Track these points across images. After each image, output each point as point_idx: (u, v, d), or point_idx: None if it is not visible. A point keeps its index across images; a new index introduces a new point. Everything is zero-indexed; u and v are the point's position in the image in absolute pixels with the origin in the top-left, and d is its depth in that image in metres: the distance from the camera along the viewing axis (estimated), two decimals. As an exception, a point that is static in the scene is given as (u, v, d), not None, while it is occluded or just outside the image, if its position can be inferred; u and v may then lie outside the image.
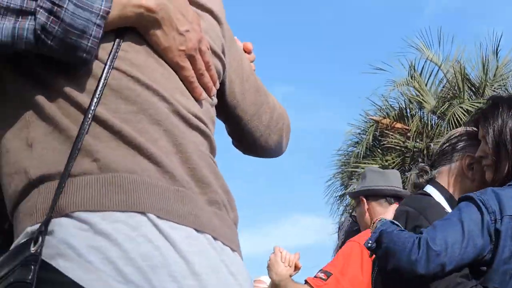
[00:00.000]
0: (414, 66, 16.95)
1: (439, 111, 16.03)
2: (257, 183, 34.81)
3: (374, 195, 4.63)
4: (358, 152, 16.50)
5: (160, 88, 1.37)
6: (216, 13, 1.57)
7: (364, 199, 4.65)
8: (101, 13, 1.29)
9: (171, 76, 1.42)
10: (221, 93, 1.64)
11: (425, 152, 15.65)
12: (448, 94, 16.51)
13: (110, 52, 1.34)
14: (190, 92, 1.43)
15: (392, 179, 4.70)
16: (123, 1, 1.35)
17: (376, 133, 16.60)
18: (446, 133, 13.15)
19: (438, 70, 16.88)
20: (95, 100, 1.30)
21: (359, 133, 17.15)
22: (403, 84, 16.81)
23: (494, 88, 16.29)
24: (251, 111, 1.73)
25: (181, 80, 1.43)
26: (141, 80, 1.35)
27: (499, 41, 16.97)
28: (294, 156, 29.34)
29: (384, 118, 16.68)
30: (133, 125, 1.32)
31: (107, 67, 1.33)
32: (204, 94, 1.46)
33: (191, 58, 1.43)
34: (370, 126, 16.78)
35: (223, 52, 1.58)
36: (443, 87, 16.84)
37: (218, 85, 1.53)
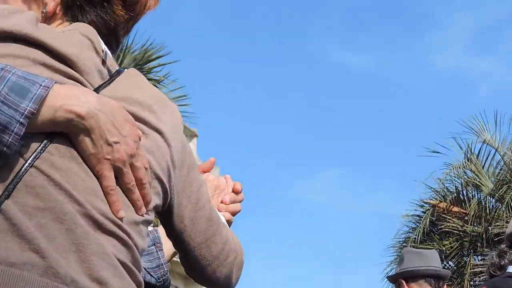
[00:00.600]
0: (471, 149, 17.18)
1: (497, 194, 16.02)
2: (312, 267, 34.96)
3: (413, 276, 4.59)
4: (414, 238, 16.48)
5: (75, 191, 1.42)
6: (167, 135, 1.59)
7: (404, 282, 4.62)
8: (25, 113, 1.36)
9: (93, 183, 1.45)
10: (168, 215, 1.69)
11: (483, 236, 15.72)
12: (506, 177, 16.54)
13: (34, 152, 1.41)
14: (109, 204, 1.45)
15: (431, 259, 4.64)
16: (56, 105, 1.40)
17: (433, 217, 16.59)
18: (505, 217, 12.74)
19: (495, 152, 17.03)
20: (6, 192, 1.38)
21: (416, 218, 17.20)
22: (459, 167, 16.88)
23: None
24: (199, 239, 1.75)
25: (102, 190, 1.45)
26: (57, 180, 1.40)
27: None
28: (349, 241, 29.30)
29: (441, 202, 16.72)
30: (35, 220, 1.38)
31: (26, 164, 1.39)
32: (122, 212, 1.46)
33: (118, 170, 1.46)
34: (427, 210, 16.76)
35: (169, 175, 1.59)
36: (501, 169, 16.90)
37: (150, 205, 1.54)
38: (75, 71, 1.50)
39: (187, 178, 1.67)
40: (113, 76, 1.59)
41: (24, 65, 1.44)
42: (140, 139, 1.49)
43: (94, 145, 1.43)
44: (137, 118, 1.54)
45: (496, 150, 17.01)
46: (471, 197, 16.62)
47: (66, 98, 1.40)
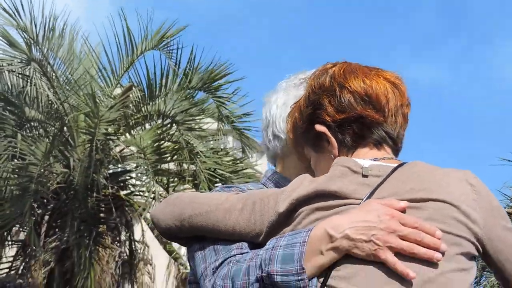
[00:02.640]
0: None
1: None
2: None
3: None
4: None
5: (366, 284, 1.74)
6: (448, 199, 1.81)
7: None
8: (298, 272, 1.74)
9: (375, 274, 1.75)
10: (486, 258, 1.92)
11: None
12: None
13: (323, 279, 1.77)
14: (402, 274, 1.72)
15: None
16: (315, 248, 1.77)
17: None
18: None
19: None
20: None
21: None
22: None
23: None
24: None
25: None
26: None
27: None
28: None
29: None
30: None
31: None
32: (412, 273, 1.72)
33: (390, 250, 1.74)
34: None
35: (468, 228, 1.82)
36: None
37: (439, 255, 1.75)
38: (342, 199, 1.84)
39: (493, 224, 1.87)
40: (386, 177, 1.86)
41: (319, 218, 1.84)
42: (395, 216, 1.77)
43: (361, 250, 1.75)
44: (411, 200, 1.81)
45: None
46: None
47: (319, 239, 1.77)
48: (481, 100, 68.12)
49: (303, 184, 1.88)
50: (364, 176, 1.87)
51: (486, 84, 69.36)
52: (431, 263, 1.76)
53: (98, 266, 12.71)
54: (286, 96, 2.24)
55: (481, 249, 1.89)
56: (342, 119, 1.97)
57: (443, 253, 1.78)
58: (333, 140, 1.98)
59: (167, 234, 2.06)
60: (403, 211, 1.80)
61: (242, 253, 1.90)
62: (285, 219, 1.87)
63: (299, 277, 1.73)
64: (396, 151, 2.02)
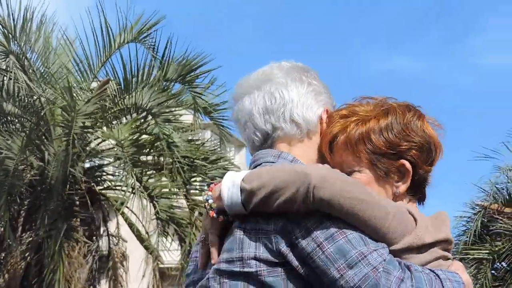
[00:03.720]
0: None
1: None
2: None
3: None
4: (466, 239, 16.02)
5: None
6: None
7: None
8: None
9: None
10: None
11: None
12: None
13: None
14: None
15: None
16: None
17: (484, 219, 16.19)
18: None
19: None
20: None
21: (467, 220, 16.71)
22: (510, 170, 16.77)
23: None
24: None
25: None
26: None
27: None
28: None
29: (491, 204, 16.26)
30: None
31: None
32: None
33: None
34: (478, 212, 16.35)
35: None
36: None
37: None
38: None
39: None
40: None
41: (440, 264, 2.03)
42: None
43: None
44: None
45: None
46: None
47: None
48: (461, 91, 68.13)
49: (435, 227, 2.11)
50: None
51: (466, 74, 69.81)
52: None
53: (71, 260, 12.67)
54: (309, 87, 2.28)
55: None
56: (426, 172, 2.22)
57: None
58: (409, 181, 2.18)
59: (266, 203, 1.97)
60: None
61: (388, 254, 1.93)
62: (423, 249, 2.00)
63: None
64: None
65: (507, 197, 16.73)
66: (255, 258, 1.94)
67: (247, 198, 1.96)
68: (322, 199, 1.92)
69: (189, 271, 2.24)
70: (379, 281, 1.84)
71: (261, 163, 2.18)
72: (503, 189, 16.96)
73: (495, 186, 16.90)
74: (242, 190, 1.97)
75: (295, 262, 1.93)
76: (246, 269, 1.94)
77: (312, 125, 2.24)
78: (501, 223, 15.57)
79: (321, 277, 1.91)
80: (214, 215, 2.03)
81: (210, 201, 2.05)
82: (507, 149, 16.94)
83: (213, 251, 2.03)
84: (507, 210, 15.86)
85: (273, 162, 2.16)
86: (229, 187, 1.99)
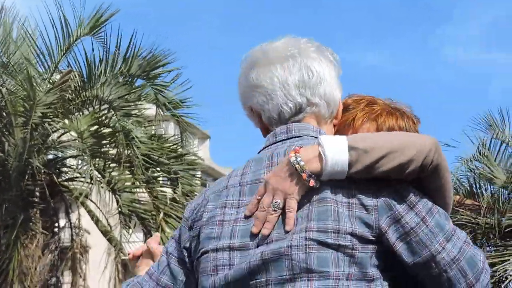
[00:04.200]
0: (483, 143, 16.63)
1: (510, 186, 15.90)
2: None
3: None
4: None
5: None
6: None
7: None
8: None
9: None
10: None
11: (496, 227, 15.61)
12: None
13: None
14: None
15: None
16: None
17: None
18: None
19: (507, 146, 16.56)
20: None
21: None
22: (471, 160, 16.69)
23: None
24: None
25: None
26: None
27: None
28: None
29: (454, 195, 11.96)
30: None
31: None
32: None
33: None
34: None
35: None
36: None
37: None
38: None
39: None
40: None
41: None
42: None
43: None
44: None
45: (508, 144, 16.47)
46: (484, 190, 16.19)
47: None
48: (427, 84, 69.43)
49: None
50: None
51: (431, 68, 70.74)
52: None
53: (29, 251, 12.61)
54: (335, 68, 2.22)
55: None
56: None
57: None
58: None
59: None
60: None
61: None
62: None
63: None
64: None
65: (468, 188, 16.63)
66: (352, 234, 1.88)
67: (358, 157, 1.88)
68: (439, 166, 1.94)
69: (212, 234, 2.01)
70: (473, 252, 1.94)
71: (302, 136, 2.10)
72: (464, 181, 16.86)
73: (456, 178, 16.51)
74: (352, 148, 1.89)
75: (393, 239, 1.91)
76: (341, 242, 1.87)
77: (336, 107, 2.20)
78: (462, 215, 15.44)
79: (417, 252, 1.90)
80: (306, 178, 1.90)
81: (302, 163, 1.91)
82: (470, 140, 16.96)
83: (292, 218, 1.90)
84: (468, 202, 15.84)
85: (315, 137, 2.07)
86: (332, 147, 1.90)
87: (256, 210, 1.95)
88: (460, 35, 71.75)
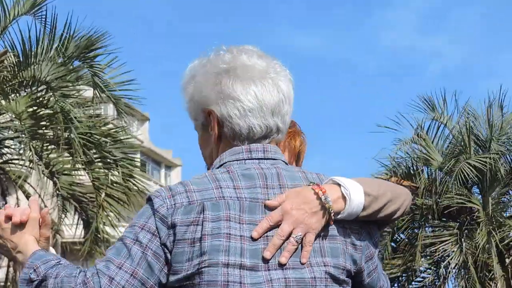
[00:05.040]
0: (421, 125, 17.18)
1: (446, 168, 16.29)
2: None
3: None
4: None
5: None
6: None
7: None
8: None
9: None
10: None
11: (434, 208, 16.25)
12: (455, 151, 16.68)
13: None
14: None
15: None
16: None
17: None
18: (454, 189, 16.02)
19: (444, 127, 17.14)
20: None
21: None
22: (409, 143, 17.18)
23: (501, 142, 16.66)
24: None
25: None
26: None
27: (504, 96, 16.72)
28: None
29: (391, 176, 16.54)
30: None
31: None
32: None
33: None
34: None
35: None
36: (449, 143, 17.13)
37: None
38: None
39: None
40: None
41: None
42: None
43: None
44: None
45: (445, 125, 17.10)
46: (421, 171, 16.81)
47: None
48: (364, 68, 69.57)
49: None
50: None
51: (368, 52, 71.22)
52: None
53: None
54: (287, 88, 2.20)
55: None
56: None
57: None
58: None
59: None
60: None
61: None
62: None
63: None
64: None
65: (406, 170, 17.20)
66: (347, 270, 2.04)
67: (371, 203, 2.04)
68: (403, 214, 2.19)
69: (220, 247, 1.97)
70: None
71: (277, 159, 2.14)
72: (402, 163, 17.38)
73: (394, 160, 17.30)
74: (367, 194, 2.03)
75: (365, 275, 2.11)
76: (345, 278, 2.04)
77: None
78: (400, 197, 15.94)
79: (374, 286, 2.15)
80: (333, 217, 2.01)
81: (331, 202, 2.00)
82: (408, 122, 17.47)
83: (309, 251, 2.00)
84: (405, 183, 16.03)
85: (285, 162, 2.17)
86: (355, 191, 2.03)
87: (263, 234, 1.99)
88: (397, 20, 72.15)
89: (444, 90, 18.30)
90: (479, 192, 16.47)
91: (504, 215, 16.64)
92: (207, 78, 2.13)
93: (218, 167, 2.09)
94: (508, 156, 16.75)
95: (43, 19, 12.66)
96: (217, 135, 2.13)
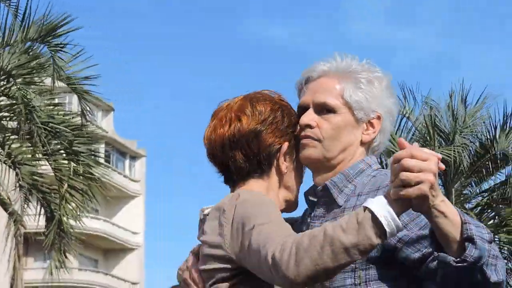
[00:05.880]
0: None
1: None
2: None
3: None
4: None
5: None
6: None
7: None
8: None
9: None
10: None
11: None
12: (418, 142, 13.93)
13: None
14: None
15: None
16: None
17: None
18: None
19: (407, 120, 16.88)
20: None
21: None
22: None
23: (464, 134, 16.50)
24: None
25: None
26: None
27: (469, 89, 16.81)
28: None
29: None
30: None
31: None
32: None
33: None
34: None
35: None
36: (413, 135, 16.84)
37: None
38: None
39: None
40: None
41: None
42: None
43: None
44: None
45: (408, 118, 16.84)
46: (385, 164, 14.76)
47: None
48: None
49: None
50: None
51: (335, 42, 71.93)
52: None
53: None
54: None
55: (240, 265, 2.17)
56: None
57: None
58: None
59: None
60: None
61: None
62: None
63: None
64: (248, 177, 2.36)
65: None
66: None
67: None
68: None
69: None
70: None
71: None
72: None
73: None
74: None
75: None
76: None
77: None
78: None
79: None
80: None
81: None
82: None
83: None
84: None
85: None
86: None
87: None
88: (365, 11, 72.30)
89: (405, 83, 18.10)
90: (442, 184, 16.50)
91: (466, 206, 16.74)
92: (385, 82, 2.48)
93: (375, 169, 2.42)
94: (471, 149, 16.82)
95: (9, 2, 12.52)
96: (370, 140, 2.44)
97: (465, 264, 1.97)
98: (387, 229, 1.94)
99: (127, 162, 43.50)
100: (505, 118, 16.44)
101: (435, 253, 2.07)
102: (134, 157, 43.94)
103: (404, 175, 1.93)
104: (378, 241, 1.95)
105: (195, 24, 63.29)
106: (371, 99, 2.41)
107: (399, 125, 17.05)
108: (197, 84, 66.67)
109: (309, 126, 2.36)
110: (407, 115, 16.94)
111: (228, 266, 2.15)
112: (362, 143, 2.43)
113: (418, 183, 1.93)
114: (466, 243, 1.98)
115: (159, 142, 65.92)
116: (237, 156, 2.30)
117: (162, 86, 66.03)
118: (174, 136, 68.30)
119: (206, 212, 2.32)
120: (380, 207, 1.95)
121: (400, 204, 1.96)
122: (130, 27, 66.75)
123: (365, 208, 1.96)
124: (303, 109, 2.40)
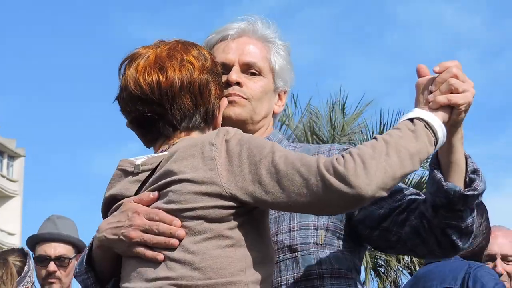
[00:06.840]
0: None
1: None
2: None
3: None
4: None
5: None
6: (183, 178, 1.97)
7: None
8: (84, 271, 2.16)
9: None
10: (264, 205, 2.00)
11: None
12: None
13: None
14: None
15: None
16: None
17: None
18: None
19: (287, 127, 16.80)
20: None
21: None
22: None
23: (342, 142, 16.04)
24: None
25: None
26: None
27: (346, 97, 17.07)
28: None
29: None
30: None
31: None
32: (160, 256, 1.98)
33: (139, 244, 2.01)
34: None
35: (213, 185, 1.96)
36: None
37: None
38: (121, 200, 2.07)
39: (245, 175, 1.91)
40: (154, 169, 2.01)
41: None
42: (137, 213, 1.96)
43: (118, 248, 2.01)
44: (159, 186, 1.98)
45: (287, 125, 16.84)
46: None
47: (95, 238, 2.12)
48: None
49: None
50: (135, 173, 2.07)
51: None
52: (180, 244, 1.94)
53: None
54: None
55: (245, 201, 1.92)
56: None
57: (181, 236, 1.93)
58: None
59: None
60: (155, 200, 2.00)
61: None
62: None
63: (86, 276, 2.15)
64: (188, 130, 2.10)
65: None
66: None
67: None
68: None
69: None
70: None
71: None
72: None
73: None
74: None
75: None
76: None
77: None
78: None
79: None
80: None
81: None
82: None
83: None
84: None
85: None
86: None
87: None
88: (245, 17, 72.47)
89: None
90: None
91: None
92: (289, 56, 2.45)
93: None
94: (349, 157, 16.92)
95: None
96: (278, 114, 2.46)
97: (475, 192, 2.07)
98: (440, 136, 1.98)
99: (5, 161, 42.14)
100: (381, 127, 16.65)
101: (444, 182, 2.07)
102: (12, 156, 42.66)
103: (454, 80, 1.99)
104: (432, 149, 1.97)
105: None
106: (287, 70, 2.38)
107: (280, 130, 16.83)
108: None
109: (238, 84, 2.26)
110: (286, 122, 16.93)
111: (224, 203, 1.92)
112: (274, 114, 2.39)
113: (464, 91, 2.00)
114: (473, 175, 2.10)
115: (40, 142, 63.35)
116: (186, 104, 2.05)
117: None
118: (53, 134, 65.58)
119: (139, 162, 2.07)
120: (427, 116, 1.99)
121: (440, 114, 2.00)
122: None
123: (412, 119, 1.98)
124: (225, 67, 2.26)
